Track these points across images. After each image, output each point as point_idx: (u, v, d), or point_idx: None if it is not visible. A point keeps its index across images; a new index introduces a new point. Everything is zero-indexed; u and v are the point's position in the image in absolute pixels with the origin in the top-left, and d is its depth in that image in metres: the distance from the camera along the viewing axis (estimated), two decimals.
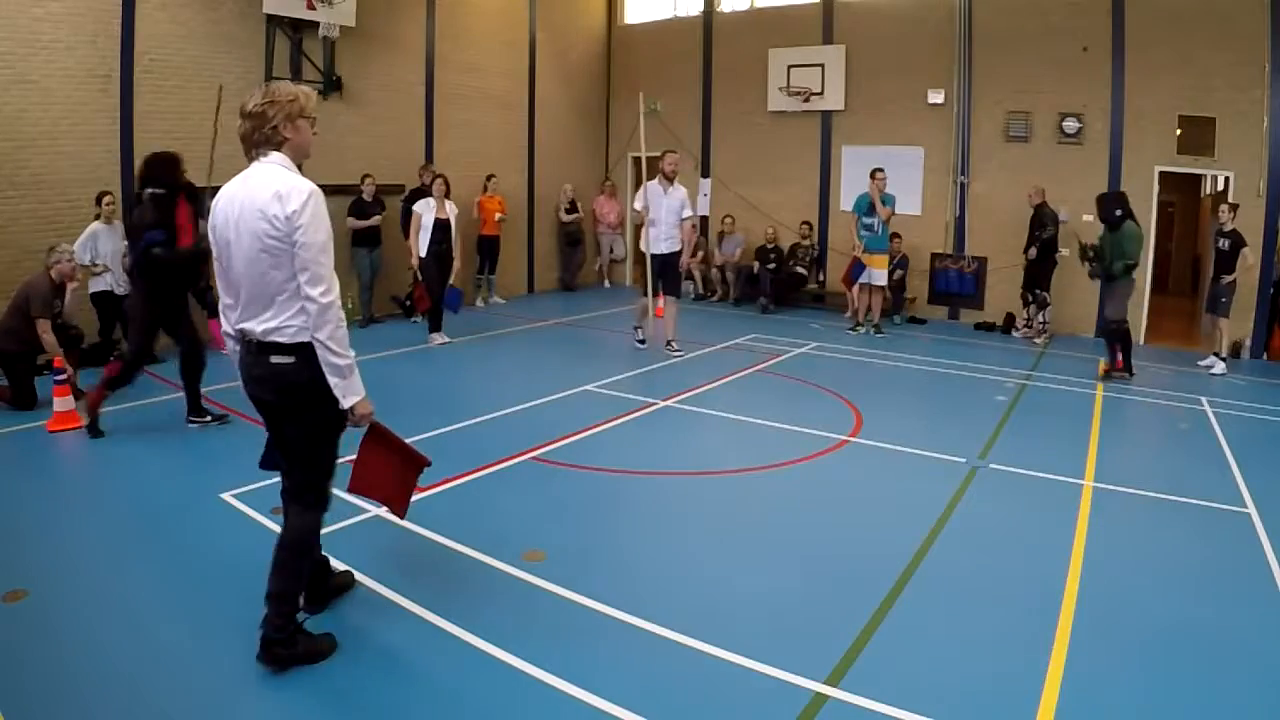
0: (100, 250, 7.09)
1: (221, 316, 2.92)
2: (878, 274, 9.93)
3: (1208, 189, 12.66)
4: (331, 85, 9.67)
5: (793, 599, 3.58)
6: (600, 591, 3.51)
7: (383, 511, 4.23)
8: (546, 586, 3.57)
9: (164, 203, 5.57)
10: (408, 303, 10.14)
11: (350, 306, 9.98)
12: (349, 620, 3.23)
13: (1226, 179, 9.61)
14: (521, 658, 3.00)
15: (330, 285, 2.70)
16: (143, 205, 5.64)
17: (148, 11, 7.97)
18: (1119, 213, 7.76)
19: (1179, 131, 9.59)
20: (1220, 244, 8.55)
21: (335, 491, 3.11)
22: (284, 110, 2.76)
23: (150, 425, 5.86)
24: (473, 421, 6.01)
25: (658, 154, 8.58)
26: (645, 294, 8.66)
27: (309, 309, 2.69)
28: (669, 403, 6.68)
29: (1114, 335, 7.88)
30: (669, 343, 8.60)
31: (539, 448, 5.44)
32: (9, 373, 6.04)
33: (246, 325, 2.79)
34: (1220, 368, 8.54)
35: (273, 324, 2.74)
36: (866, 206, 9.80)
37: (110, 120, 7.84)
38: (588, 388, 7.02)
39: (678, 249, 8.46)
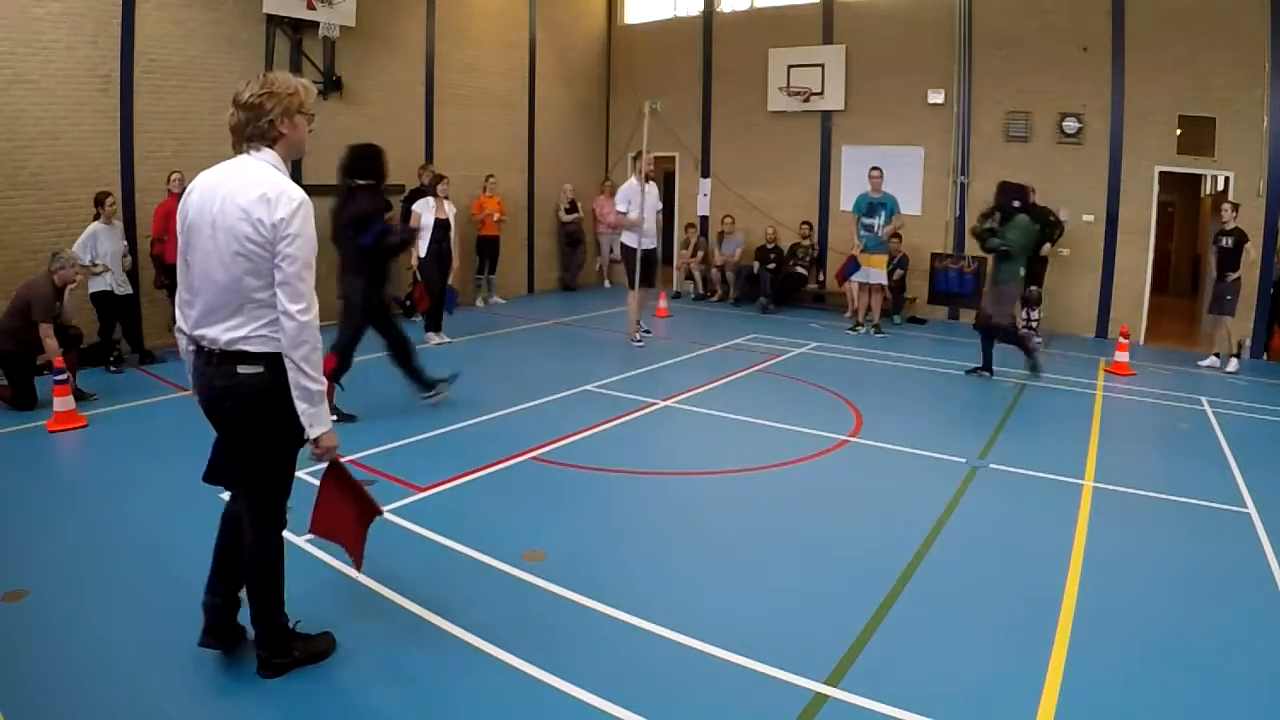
0: (100, 251, 7.07)
1: (177, 313, 2.74)
2: (876, 274, 9.95)
3: (1208, 189, 12.68)
4: (331, 85, 9.66)
5: (793, 599, 3.58)
6: (599, 591, 3.51)
7: (383, 511, 4.22)
8: (546, 586, 3.57)
9: (375, 194, 5.79)
10: (408, 303, 10.14)
11: None
12: (348, 620, 3.22)
13: (1226, 179, 9.61)
14: (521, 657, 3.00)
15: (311, 303, 2.53)
16: (355, 198, 5.71)
17: (148, 11, 7.96)
18: (1016, 204, 7.58)
19: (1179, 131, 9.59)
20: (1224, 242, 8.51)
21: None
22: (282, 104, 2.58)
23: (150, 425, 5.86)
24: (473, 421, 6.01)
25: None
26: (633, 287, 8.83)
27: (286, 326, 2.50)
28: (669, 403, 6.68)
29: (1005, 334, 7.69)
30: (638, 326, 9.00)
31: (539, 448, 5.44)
32: (9, 373, 6.04)
33: (207, 331, 2.58)
34: (1234, 365, 8.53)
35: (240, 332, 2.55)
36: (866, 207, 9.83)
37: (110, 120, 7.84)
38: (588, 388, 7.02)
39: (655, 244, 9.02)
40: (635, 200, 8.63)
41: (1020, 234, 7.49)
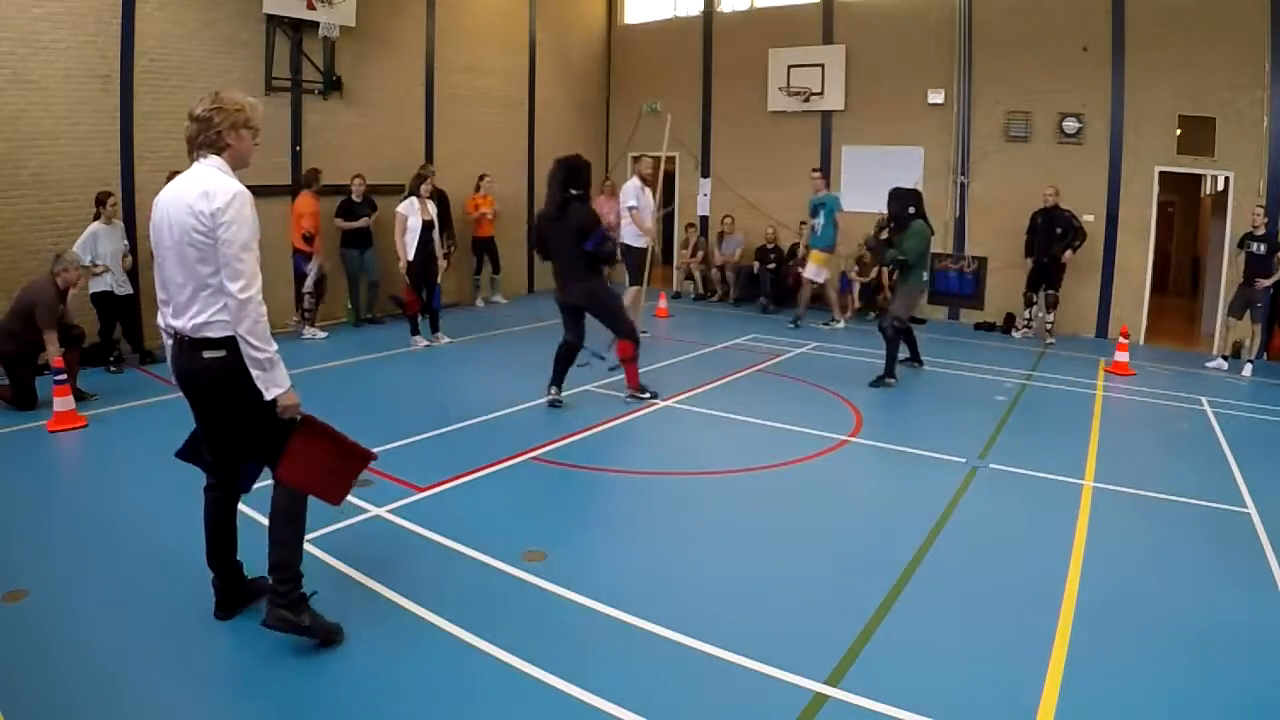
0: (100, 251, 7.07)
1: (159, 311, 3.02)
2: (816, 269, 10.36)
3: (1208, 189, 12.68)
4: (331, 85, 9.66)
5: (793, 599, 3.58)
6: (600, 591, 3.51)
7: (383, 511, 4.24)
8: (546, 586, 3.57)
9: (587, 203, 6.35)
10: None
11: (350, 308, 9.98)
12: (348, 620, 3.21)
13: (1226, 179, 9.61)
14: (521, 657, 3.00)
15: (249, 282, 2.78)
16: (571, 208, 6.21)
17: (148, 11, 7.96)
18: (911, 210, 7.47)
19: (1179, 131, 9.58)
20: (1254, 248, 8.41)
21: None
22: (229, 119, 2.87)
23: (150, 425, 5.86)
24: (473, 421, 6.01)
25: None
26: (640, 284, 8.85)
27: (230, 305, 2.78)
28: (669, 403, 6.68)
29: (891, 334, 7.48)
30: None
31: (539, 448, 5.44)
32: (10, 373, 6.04)
33: (177, 322, 2.88)
34: (1249, 369, 8.48)
35: (201, 319, 2.83)
36: (811, 207, 10.33)
37: (110, 120, 7.84)
38: (588, 388, 7.02)
39: (651, 244, 9.21)
40: (642, 200, 8.69)
41: (918, 241, 7.38)
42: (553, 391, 6.54)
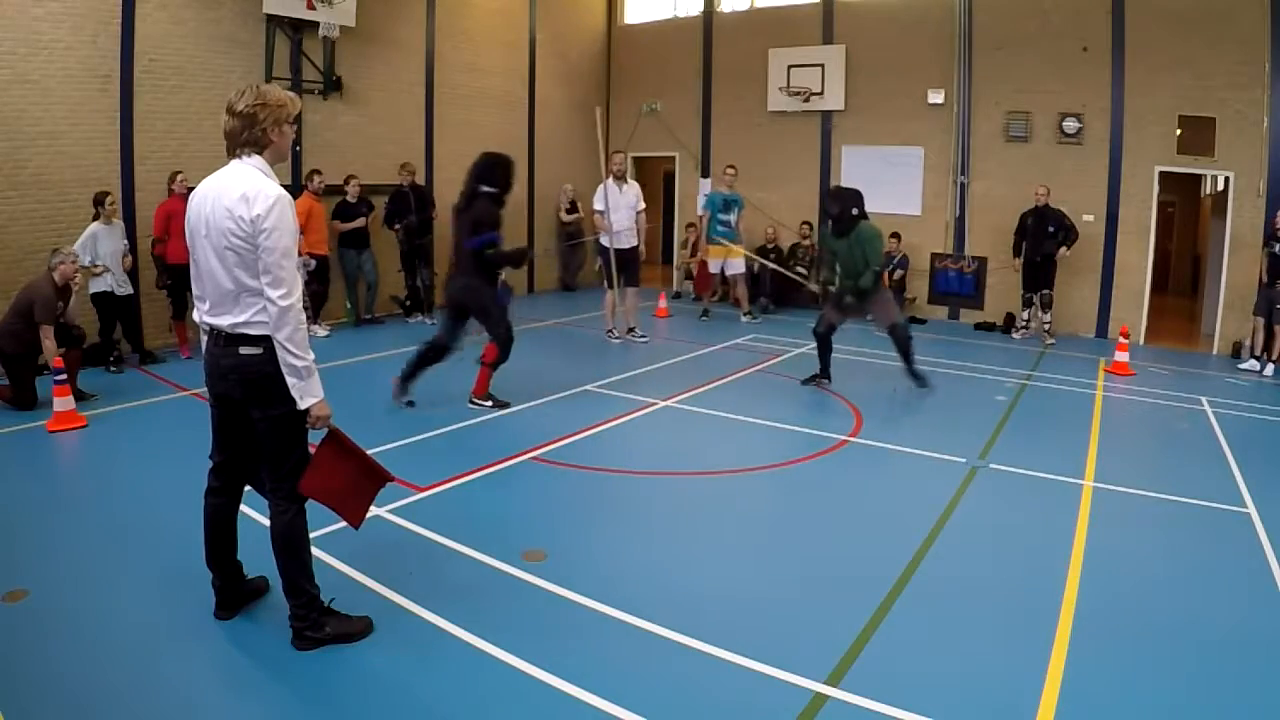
0: (100, 251, 7.06)
1: (195, 306, 3.00)
2: (738, 263, 10.58)
3: (1208, 189, 12.68)
4: (331, 85, 9.67)
5: (792, 599, 3.58)
6: (600, 591, 3.51)
7: (383, 511, 4.23)
8: (547, 586, 3.57)
9: (495, 203, 6.02)
10: (407, 303, 10.15)
11: (349, 307, 9.98)
12: None
13: (1226, 179, 9.61)
14: (521, 657, 3.00)
15: (291, 289, 2.77)
16: (479, 202, 5.97)
17: (148, 11, 7.96)
18: (855, 211, 6.91)
19: (1179, 131, 9.58)
20: (1277, 249, 8.33)
21: None
22: (273, 115, 2.84)
23: (150, 425, 5.86)
24: (473, 421, 6.01)
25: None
26: (610, 288, 8.97)
27: (269, 310, 2.76)
28: (669, 403, 6.68)
29: (907, 340, 7.14)
30: (631, 330, 9.14)
31: (539, 448, 5.44)
32: (10, 373, 6.04)
33: (215, 320, 2.87)
34: (1270, 369, 8.46)
35: (241, 318, 2.82)
36: (722, 203, 10.40)
37: (110, 120, 7.84)
38: (588, 388, 7.02)
39: (635, 243, 9.02)
40: (614, 200, 8.69)
41: (880, 244, 6.97)
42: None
